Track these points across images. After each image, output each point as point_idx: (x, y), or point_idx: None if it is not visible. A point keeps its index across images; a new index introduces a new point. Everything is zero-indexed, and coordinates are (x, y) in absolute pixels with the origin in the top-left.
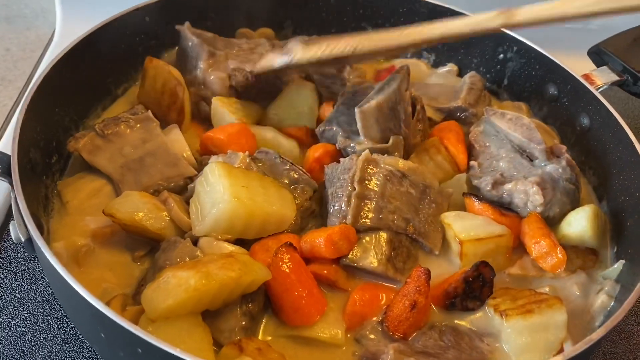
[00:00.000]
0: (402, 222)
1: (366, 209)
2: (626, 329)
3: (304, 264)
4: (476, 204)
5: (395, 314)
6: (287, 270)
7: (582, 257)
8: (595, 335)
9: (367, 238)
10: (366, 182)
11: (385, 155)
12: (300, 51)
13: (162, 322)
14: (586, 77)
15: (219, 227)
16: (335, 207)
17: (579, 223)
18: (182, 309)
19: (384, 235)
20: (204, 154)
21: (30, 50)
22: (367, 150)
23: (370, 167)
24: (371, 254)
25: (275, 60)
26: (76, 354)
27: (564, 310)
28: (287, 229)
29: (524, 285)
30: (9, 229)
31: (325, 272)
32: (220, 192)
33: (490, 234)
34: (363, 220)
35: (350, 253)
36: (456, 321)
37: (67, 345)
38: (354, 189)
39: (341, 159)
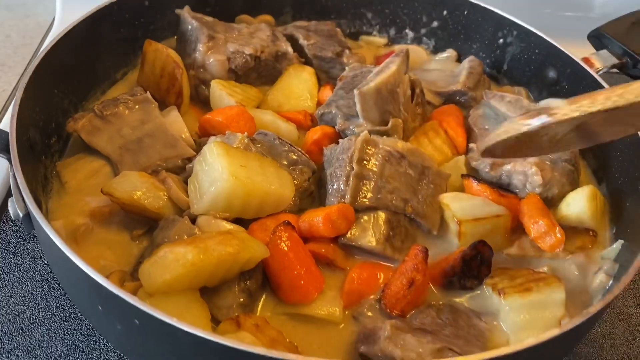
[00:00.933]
0: (400, 202)
1: (365, 188)
2: (625, 310)
3: (302, 243)
4: (475, 185)
5: (393, 292)
6: (286, 248)
7: (581, 237)
8: (593, 309)
9: (366, 217)
10: (365, 162)
11: (384, 136)
12: (565, 108)
13: (160, 297)
14: (586, 60)
15: (217, 206)
16: (334, 187)
17: (578, 204)
18: (179, 283)
19: (382, 215)
20: (202, 136)
21: (30, 37)
22: (366, 131)
23: (369, 147)
24: (369, 233)
25: (523, 125)
26: (74, 332)
27: (562, 289)
28: (286, 209)
29: (522, 265)
30: (7, 210)
31: (323, 250)
32: (218, 171)
33: (488, 214)
34: (361, 199)
35: (349, 232)
36: (455, 299)
37: (65, 323)
38: (353, 168)
39: (340, 140)
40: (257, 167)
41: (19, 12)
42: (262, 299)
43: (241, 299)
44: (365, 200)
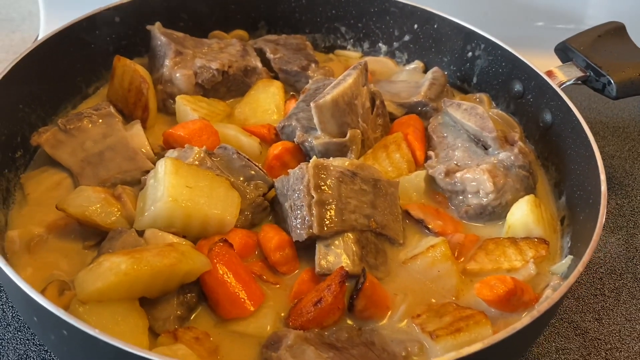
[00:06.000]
0: (364, 220)
1: (328, 214)
2: (582, 325)
3: (239, 260)
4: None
5: (301, 306)
6: (221, 266)
7: (534, 247)
8: (519, 324)
9: (337, 242)
10: (321, 187)
11: (331, 158)
12: None
13: (95, 305)
14: (549, 73)
15: (157, 224)
16: (298, 220)
17: (520, 209)
18: (112, 292)
19: (350, 236)
20: (166, 150)
21: (13, 52)
22: (314, 157)
23: (322, 172)
24: (344, 258)
25: None
26: (27, 341)
27: (489, 326)
28: (237, 224)
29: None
30: None
31: (256, 269)
32: (161, 191)
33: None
34: (328, 226)
35: (324, 261)
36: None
37: (19, 333)
38: (313, 197)
39: (290, 170)
40: (206, 187)
41: (5, 28)
42: (197, 312)
43: (179, 312)
44: (332, 225)
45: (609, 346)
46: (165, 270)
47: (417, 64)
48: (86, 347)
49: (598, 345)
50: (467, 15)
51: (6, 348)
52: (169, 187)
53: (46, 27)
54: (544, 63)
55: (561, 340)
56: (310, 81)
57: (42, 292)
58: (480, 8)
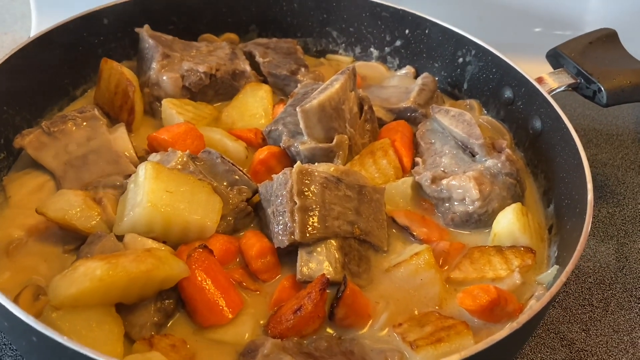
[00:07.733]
0: (348, 226)
1: (311, 221)
2: (569, 336)
3: (219, 266)
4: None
5: (280, 313)
6: (200, 272)
7: (520, 256)
8: (498, 336)
9: (319, 249)
10: (305, 193)
11: (316, 163)
12: None
13: (70, 311)
14: (539, 80)
15: (137, 229)
16: (280, 226)
17: (506, 217)
18: (87, 298)
19: (333, 243)
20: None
21: (4, 54)
22: (299, 162)
23: (305, 178)
24: (325, 265)
25: None
26: (3, 346)
27: (470, 337)
28: (219, 229)
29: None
30: None
31: (237, 276)
32: (140, 196)
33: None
34: (311, 232)
35: (305, 267)
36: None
37: None
38: (295, 202)
39: (273, 175)
40: (186, 193)
41: None
42: (175, 318)
43: (156, 318)
44: (314, 232)
45: (596, 358)
46: (141, 277)
47: (408, 70)
48: (56, 354)
49: (584, 356)
50: (462, 20)
51: None
52: (149, 192)
53: (38, 29)
54: (540, 69)
55: (547, 351)
56: (299, 85)
57: (17, 296)
58: (475, 13)
